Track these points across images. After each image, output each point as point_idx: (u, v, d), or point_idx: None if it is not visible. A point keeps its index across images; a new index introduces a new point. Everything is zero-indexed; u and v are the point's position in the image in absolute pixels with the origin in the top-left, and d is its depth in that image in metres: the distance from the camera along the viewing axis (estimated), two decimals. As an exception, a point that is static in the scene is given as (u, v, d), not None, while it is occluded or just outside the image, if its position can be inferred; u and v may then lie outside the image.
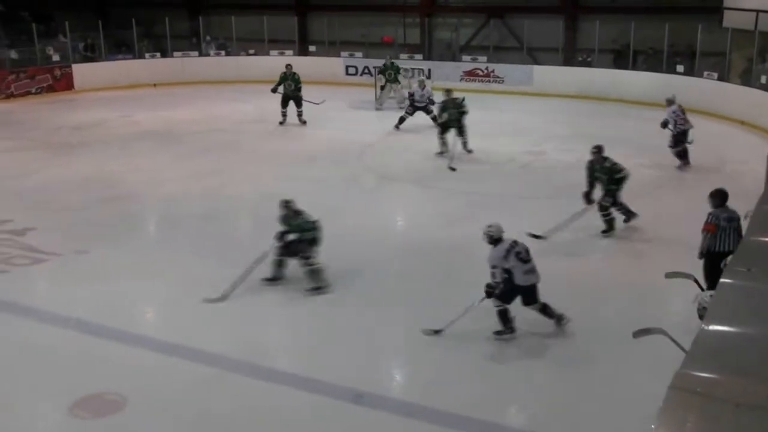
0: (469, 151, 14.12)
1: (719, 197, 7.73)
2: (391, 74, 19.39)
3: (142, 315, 8.33)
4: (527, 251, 7.22)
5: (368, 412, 6.17)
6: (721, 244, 7.46)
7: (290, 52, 24.21)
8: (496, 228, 7.26)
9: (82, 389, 6.39)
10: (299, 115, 17.49)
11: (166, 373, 6.76)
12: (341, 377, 6.60)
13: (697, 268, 7.26)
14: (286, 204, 8.45)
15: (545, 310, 7.32)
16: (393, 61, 19.94)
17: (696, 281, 5.81)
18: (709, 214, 7.70)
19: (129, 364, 6.89)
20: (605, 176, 9.86)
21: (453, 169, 13.00)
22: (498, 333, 7.23)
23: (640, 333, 5.52)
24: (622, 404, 6.11)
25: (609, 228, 10.02)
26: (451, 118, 13.77)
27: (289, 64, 17.77)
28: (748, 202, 6.78)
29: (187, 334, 7.41)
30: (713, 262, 7.22)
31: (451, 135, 14.03)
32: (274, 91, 17.43)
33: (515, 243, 7.23)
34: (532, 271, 7.18)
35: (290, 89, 17.37)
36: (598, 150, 9.99)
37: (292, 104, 17.41)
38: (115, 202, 11.68)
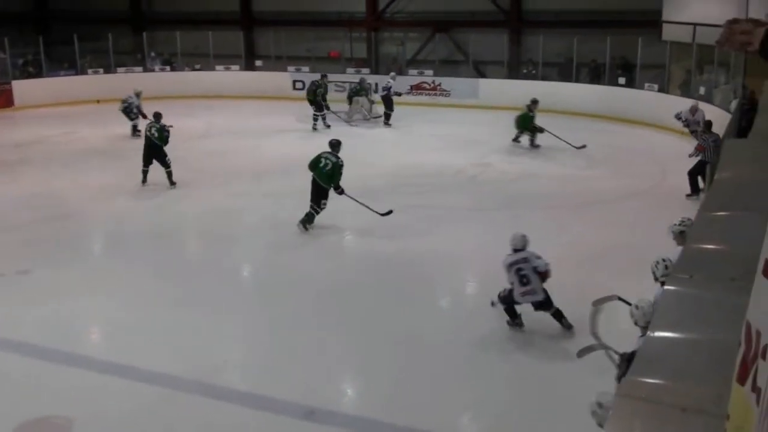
0: None
1: (708, 126, 12.52)
2: (363, 92, 19.93)
3: (87, 336, 8.14)
4: (531, 274, 7.28)
5: (319, 429, 6.13)
6: (707, 157, 11.57)
7: (237, 66, 24.07)
8: (515, 238, 7.47)
9: (26, 413, 6.22)
10: (314, 119, 18.55)
11: (114, 394, 6.61)
12: (293, 393, 6.55)
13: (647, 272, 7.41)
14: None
15: (556, 315, 7.48)
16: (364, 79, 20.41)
17: (620, 299, 6.13)
18: (701, 137, 12.33)
19: (75, 387, 6.73)
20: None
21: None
22: (508, 322, 7.62)
23: (583, 351, 5.74)
24: (575, 414, 6.17)
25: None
26: None
27: (323, 74, 19.16)
28: (691, 210, 7.00)
29: (136, 354, 7.25)
30: (701, 168, 11.65)
31: None
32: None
33: (524, 260, 7.32)
34: (530, 293, 7.32)
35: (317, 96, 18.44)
36: None
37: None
38: (59, 220, 11.42)
